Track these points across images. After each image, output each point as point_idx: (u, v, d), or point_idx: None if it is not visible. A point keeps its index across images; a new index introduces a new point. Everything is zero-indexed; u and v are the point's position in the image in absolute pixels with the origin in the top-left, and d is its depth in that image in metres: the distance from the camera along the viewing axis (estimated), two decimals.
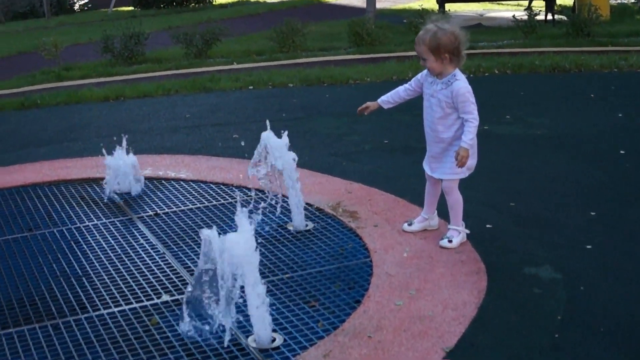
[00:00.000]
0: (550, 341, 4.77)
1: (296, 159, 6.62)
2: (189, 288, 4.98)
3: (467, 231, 6.30)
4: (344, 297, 5.48)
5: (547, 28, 20.31)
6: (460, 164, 5.89)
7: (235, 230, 4.75)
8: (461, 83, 5.89)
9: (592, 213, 6.89)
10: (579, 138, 9.45)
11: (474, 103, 5.90)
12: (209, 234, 4.71)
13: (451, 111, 5.95)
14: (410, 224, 6.48)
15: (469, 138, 5.86)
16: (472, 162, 6.06)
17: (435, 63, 5.87)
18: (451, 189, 6.18)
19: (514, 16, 19.80)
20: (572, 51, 16.15)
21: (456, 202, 6.21)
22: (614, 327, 4.91)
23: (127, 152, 7.92)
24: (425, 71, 6.09)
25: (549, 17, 21.83)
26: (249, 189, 7.29)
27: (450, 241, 6.18)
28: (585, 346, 4.70)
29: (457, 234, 6.23)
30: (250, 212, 6.93)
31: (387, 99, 6.44)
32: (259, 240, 6.51)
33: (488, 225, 6.66)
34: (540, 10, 20.42)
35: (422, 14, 18.94)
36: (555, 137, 9.50)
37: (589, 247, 6.17)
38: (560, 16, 21.02)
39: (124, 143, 7.90)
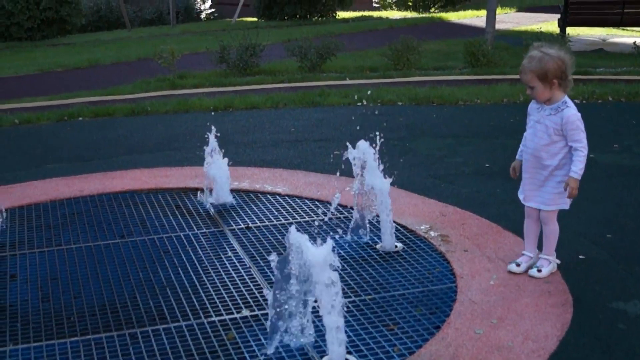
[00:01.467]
0: None
1: (388, 183, 6.58)
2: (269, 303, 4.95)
3: (558, 261, 6.16)
4: (424, 322, 5.41)
5: None
6: (571, 196, 5.77)
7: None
8: (572, 110, 5.75)
9: None
10: None
11: (584, 131, 5.76)
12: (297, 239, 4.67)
13: (558, 139, 5.80)
14: (518, 265, 6.22)
15: (579, 168, 5.73)
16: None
17: (544, 90, 5.73)
18: (550, 219, 6.04)
19: (635, 42, 19.38)
20: None
21: (552, 232, 6.08)
22: None
23: (225, 164, 7.97)
24: (532, 101, 5.96)
25: None
26: (344, 207, 7.26)
27: (539, 270, 6.05)
28: None
29: (548, 263, 6.09)
30: (340, 230, 6.98)
31: (522, 149, 6.21)
32: (345, 260, 6.48)
33: (581, 256, 6.50)
34: None
35: (540, 37, 18.66)
36: None
37: None
38: None
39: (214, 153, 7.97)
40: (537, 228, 6.19)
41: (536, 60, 5.71)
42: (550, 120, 5.79)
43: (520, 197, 6.18)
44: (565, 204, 5.97)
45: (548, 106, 5.81)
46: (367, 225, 7.03)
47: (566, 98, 5.81)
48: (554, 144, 5.82)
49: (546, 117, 5.82)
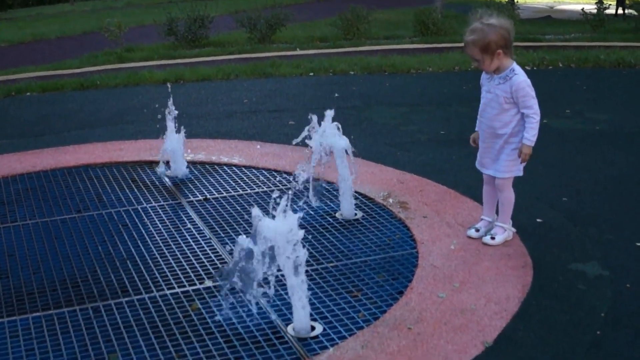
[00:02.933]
0: (592, 339, 4.67)
1: (350, 148, 6.58)
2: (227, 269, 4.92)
3: (514, 230, 6.18)
4: (387, 288, 5.42)
5: (616, 22, 20.03)
6: (524, 161, 5.80)
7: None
8: (521, 77, 5.71)
9: None
10: (638, 135, 9.27)
11: (534, 97, 5.73)
12: (259, 214, 4.64)
13: (509, 107, 5.78)
14: (477, 230, 6.25)
15: (532, 135, 5.73)
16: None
17: (490, 61, 5.69)
18: (505, 186, 6.04)
19: (582, 9, 19.51)
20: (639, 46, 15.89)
21: (508, 200, 6.08)
22: None
23: (179, 136, 7.92)
24: (483, 72, 5.95)
25: (620, 11, 21.52)
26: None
27: (493, 238, 6.07)
28: (628, 345, 4.60)
29: (502, 231, 6.11)
30: (299, 199, 6.97)
31: (479, 119, 6.19)
32: (306, 228, 6.48)
33: (538, 220, 6.55)
34: (610, 4, 20.11)
35: (489, 5, 18.72)
36: (614, 134, 9.34)
37: (638, 244, 6.04)
38: (631, 10, 20.72)
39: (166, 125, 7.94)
40: (495, 194, 6.20)
41: (478, 33, 5.64)
42: (500, 89, 5.77)
43: (478, 165, 6.18)
44: (519, 170, 5.98)
45: (497, 75, 5.78)
46: (326, 193, 7.04)
47: (514, 65, 5.77)
48: (506, 112, 5.80)
49: (496, 86, 5.79)
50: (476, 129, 6.14)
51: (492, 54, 5.64)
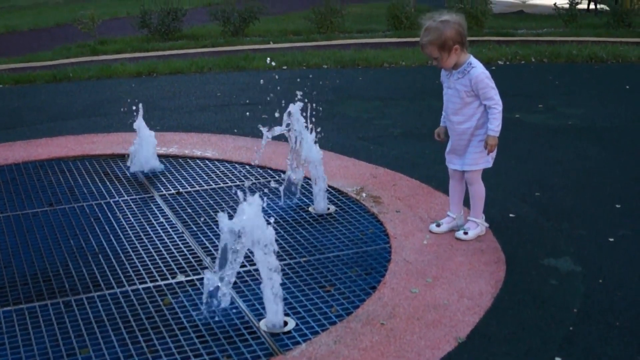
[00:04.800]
0: (565, 334, 4.68)
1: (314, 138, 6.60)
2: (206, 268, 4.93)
3: (486, 224, 6.19)
4: (360, 283, 5.42)
5: (588, 17, 20.12)
6: (490, 152, 5.80)
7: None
8: (479, 69, 5.73)
9: (618, 206, 6.79)
10: (611, 130, 9.32)
11: (494, 88, 5.74)
12: (221, 216, 4.65)
13: (471, 100, 5.79)
14: (438, 225, 6.27)
15: (495, 125, 5.73)
16: (494, 153, 5.94)
17: (448, 58, 5.70)
18: (474, 179, 6.05)
19: (555, 4, 19.57)
20: (611, 41, 15.97)
21: (478, 193, 6.09)
22: (630, 323, 4.81)
23: (150, 129, 7.90)
24: (442, 70, 5.95)
25: (592, 6, 21.61)
26: (274, 170, 7.24)
27: (466, 233, 6.08)
28: (600, 340, 4.61)
29: (475, 226, 6.12)
30: (272, 193, 6.97)
31: (444, 115, 6.19)
32: (278, 223, 6.47)
33: (511, 215, 6.57)
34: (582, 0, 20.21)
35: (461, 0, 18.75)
36: (587, 128, 9.38)
37: (611, 239, 6.07)
38: (602, 6, 20.81)
39: (139, 117, 7.90)
40: (462, 189, 6.21)
41: (433, 31, 5.65)
42: (460, 84, 5.78)
43: (447, 162, 6.18)
44: (488, 162, 5.99)
45: (455, 71, 5.79)
46: (299, 188, 7.04)
47: (471, 59, 5.79)
48: (468, 106, 5.82)
49: (455, 81, 5.80)
50: (441, 124, 6.15)
51: (450, 50, 5.66)
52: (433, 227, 6.25)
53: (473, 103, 5.79)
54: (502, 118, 5.78)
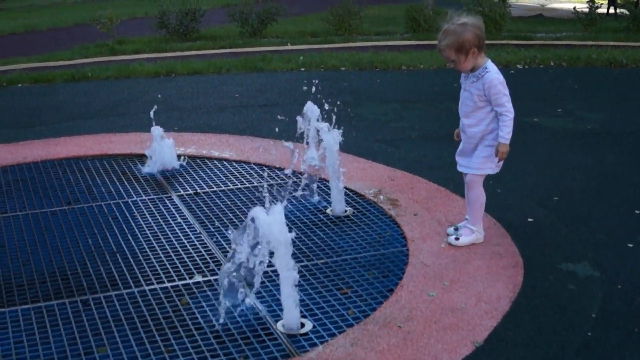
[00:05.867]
0: (583, 340, 4.66)
1: (340, 139, 6.59)
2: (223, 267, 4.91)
3: (482, 233, 6.12)
4: (377, 286, 5.41)
5: (608, 21, 20.07)
6: (501, 159, 5.78)
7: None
8: (492, 74, 5.69)
9: (637, 211, 6.76)
10: (630, 135, 9.29)
11: (507, 95, 5.71)
12: (255, 212, 4.62)
13: (483, 104, 5.76)
14: (457, 229, 6.19)
15: (506, 132, 5.69)
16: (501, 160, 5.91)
17: (466, 61, 5.67)
18: (474, 183, 5.99)
19: (574, 8, 19.51)
20: (631, 46, 15.92)
21: (477, 198, 6.02)
22: None
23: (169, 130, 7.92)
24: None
25: (612, 10, 21.56)
26: (293, 171, 7.25)
27: (457, 238, 6.05)
28: (618, 346, 4.59)
29: (470, 232, 6.07)
30: (290, 195, 6.97)
31: None
32: (296, 225, 6.47)
33: (530, 219, 6.55)
34: (602, 3, 20.14)
35: (481, 2, 18.72)
36: (605, 133, 9.35)
37: (630, 245, 6.05)
38: (623, 10, 20.75)
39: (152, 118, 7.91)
40: None
41: (451, 34, 5.62)
42: (474, 87, 5.75)
43: (458, 165, 6.17)
44: (491, 169, 5.93)
45: (472, 74, 5.77)
46: (317, 189, 7.04)
47: (487, 63, 5.75)
48: (480, 110, 5.79)
49: (470, 84, 5.78)
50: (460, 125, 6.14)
51: (467, 53, 5.62)
52: (451, 230, 6.22)
53: (485, 107, 5.76)
54: (513, 125, 5.73)
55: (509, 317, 4.93)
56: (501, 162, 5.91)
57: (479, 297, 5.17)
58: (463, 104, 5.89)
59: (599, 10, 19.44)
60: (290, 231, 4.62)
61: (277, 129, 9.06)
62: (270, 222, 4.60)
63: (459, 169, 6.08)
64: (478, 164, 5.89)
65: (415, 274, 5.52)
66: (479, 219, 6.08)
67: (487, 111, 5.76)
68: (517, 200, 6.92)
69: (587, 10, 19.07)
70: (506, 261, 5.71)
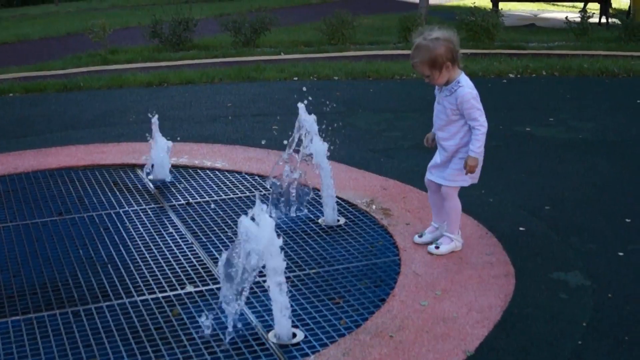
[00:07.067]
0: (574, 349, 4.67)
1: (326, 146, 6.62)
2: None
3: (461, 241, 6.15)
4: (369, 295, 5.41)
5: (600, 31, 20.08)
6: (469, 172, 5.79)
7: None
8: (465, 89, 5.69)
9: (628, 220, 6.77)
10: (621, 144, 9.30)
11: (480, 109, 5.72)
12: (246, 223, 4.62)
13: (456, 118, 5.78)
14: (421, 236, 6.29)
15: (477, 146, 5.70)
16: (477, 172, 5.93)
17: (440, 75, 5.68)
18: (449, 195, 6.02)
19: (566, 18, 19.55)
20: (623, 55, 15.95)
21: (453, 209, 6.05)
22: (638, 337, 4.80)
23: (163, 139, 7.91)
24: None
25: (603, 20, 21.60)
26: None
27: (437, 247, 6.06)
28: (609, 355, 4.61)
29: (449, 241, 6.08)
30: (281, 204, 6.97)
31: None
32: (288, 234, 6.48)
33: (521, 228, 6.56)
34: (594, 13, 20.18)
35: (473, 12, 18.73)
36: (598, 142, 9.36)
37: (621, 254, 6.06)
38: (614, 19, 20.80)
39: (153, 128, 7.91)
40: (438, 198, 6.18)
41: (424, 50, 5.65)
42: (447, 101, 5.77)
43: (427, 173, 6.19)
44: (466, 181, 5.96)
45: (446, 87, 5.78)
46: (308, 199, 7.04)
47: (461, 77, 5.75)
48: (453, 124, 5.81)
49: (444, 98, 5.80)
50: (432, 130, 6.13)
51: (441, 67, 5.64)
52: (416, 238, 6.28)
53: (458, 121, 5.78)
54: (484, 140, 5.75)
55: (500, 326, 4.94)
56: (477, 175, 5.94)
57: (470, 306, 5.18)
58: (437, 117, 5.92)
59: (591, 20, 19.46)
60: (279, 239, 4.63)
61: (267, 140, 9.07)
62: (259, 230, 4.60)
63: (430, 177, 6.13)
64: (452, 176, 5.92)
65: (407, 284, 5.52)
66: (456, 227, 6.10)
67: (460, 124, 5.78)
68: (509, 210, 6.93)
69: (579, 20, 19.10)
70: (497, 270, 5.72)
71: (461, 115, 5.75)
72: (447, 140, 5.88)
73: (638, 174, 8.12)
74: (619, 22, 19.42)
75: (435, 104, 5.93)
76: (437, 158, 6.05)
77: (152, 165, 7.93)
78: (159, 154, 7.89)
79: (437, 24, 6.00)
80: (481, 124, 5.70)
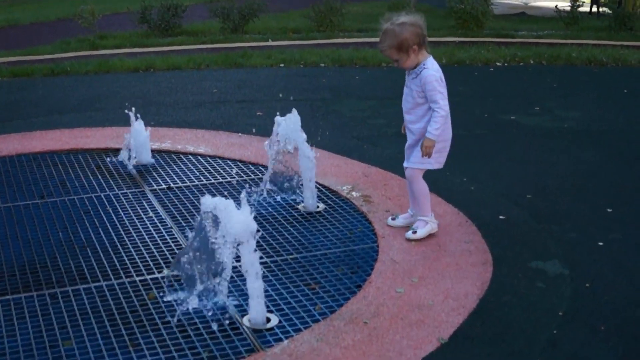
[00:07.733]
0: (549, 337, 4.68)
1: (305, 138, 6.59)
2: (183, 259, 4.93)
3: (436, 222, 6.19)
4: (345, 282, 5.41)
5: (590, 20, 20.11)
6: (425, 155, 5.81)
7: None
8: (430, 71, 5.73)
9: (609, 210, 6.78)
10: (607, 133, 9.31)
11: (442, 92, 5.75)
12: (211, 203, 4.64)
13: (422, 101, 5.81)
14: (394, 219, 6.34)
15: (434, 128, 5.72)
16: (442, 157, 5.99)
17: (407, 59, 5.73)
18: (414, 177, 6.05)
19: (556, 7, 19.55)
20: (612, 45, 15.96)
21: (419, 192, 6.08)
22: (614, 327, 4.81)
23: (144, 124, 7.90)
24: None
25: (594, 9, 21.61)
26: (265, 167, 7.23)
27: (414, 232, 6.08)
28: (584, 344, 4.61)
29: (424, 224, 6.11)
30: (261, 190, 6.97)
31: None
32: (267, 220, 6.47)
33: (501, 217, 6.56)
34: (583, 2, 20.18)
35: (462, 0, 18.73)
36: (583, 131, 9.37)
37: (600, 243, 6.07)
38: (605, 9, 20.81)
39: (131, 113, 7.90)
40: None
41: (390, 35, 5.70)
42: (414, 84, 5.82)
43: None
44: (431, 164, 5.99)
45: (413, 70, 5.82)
46: (289, 185, 7.04)
47: (427, 60, 5.79)
48: (420, 106, 5.85)
49: (411, 81, 5.85)
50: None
51: (408, 51, 5.68)
52: (389, 220, 6.34)
53: (424, 104, 5.81)
54: (445, 124, 5.81)
55: (475, 314, 4.94)
56: (443, 159, 6.00)
57: (446, 293, 5.18)
58: (405, 100, 5.95)
59: (581, 9, 19.48)
60: (257, 224, 4.64)
61: (250, 126, 9.06)
62: (237, 219, 4.61)
63: (404, 164, 6.13)
64: (417, 158, 5.92)
65: (384, 271, 5.52)
66: (427, 209, 6.13)
67: (426, 108, 5.81)
68: (491, 198, 6.93)
69: (569, 8, 19.11)
70: (475, 258, 5.72)
71: (426, 98, 5.78)
72: (414, 123, 5.90)
73: (622, 163, 8.13)
74: (610, 11, 19.42)
75: (405, 88, 5.96)
76: (409, 143, 6.06)
77: (129, 150, 7.90)
78: (139, 138, 7.87)
79: (426, 12, 6.00)
80: (441, 107, 5.72)
